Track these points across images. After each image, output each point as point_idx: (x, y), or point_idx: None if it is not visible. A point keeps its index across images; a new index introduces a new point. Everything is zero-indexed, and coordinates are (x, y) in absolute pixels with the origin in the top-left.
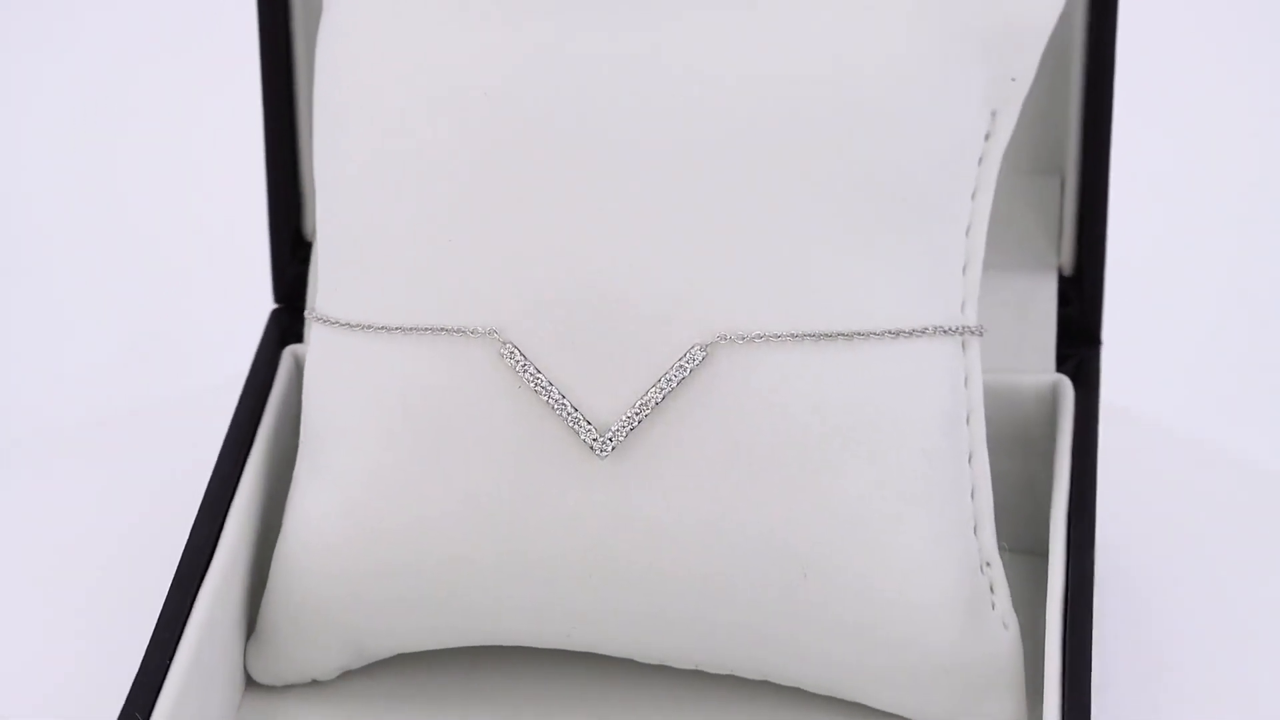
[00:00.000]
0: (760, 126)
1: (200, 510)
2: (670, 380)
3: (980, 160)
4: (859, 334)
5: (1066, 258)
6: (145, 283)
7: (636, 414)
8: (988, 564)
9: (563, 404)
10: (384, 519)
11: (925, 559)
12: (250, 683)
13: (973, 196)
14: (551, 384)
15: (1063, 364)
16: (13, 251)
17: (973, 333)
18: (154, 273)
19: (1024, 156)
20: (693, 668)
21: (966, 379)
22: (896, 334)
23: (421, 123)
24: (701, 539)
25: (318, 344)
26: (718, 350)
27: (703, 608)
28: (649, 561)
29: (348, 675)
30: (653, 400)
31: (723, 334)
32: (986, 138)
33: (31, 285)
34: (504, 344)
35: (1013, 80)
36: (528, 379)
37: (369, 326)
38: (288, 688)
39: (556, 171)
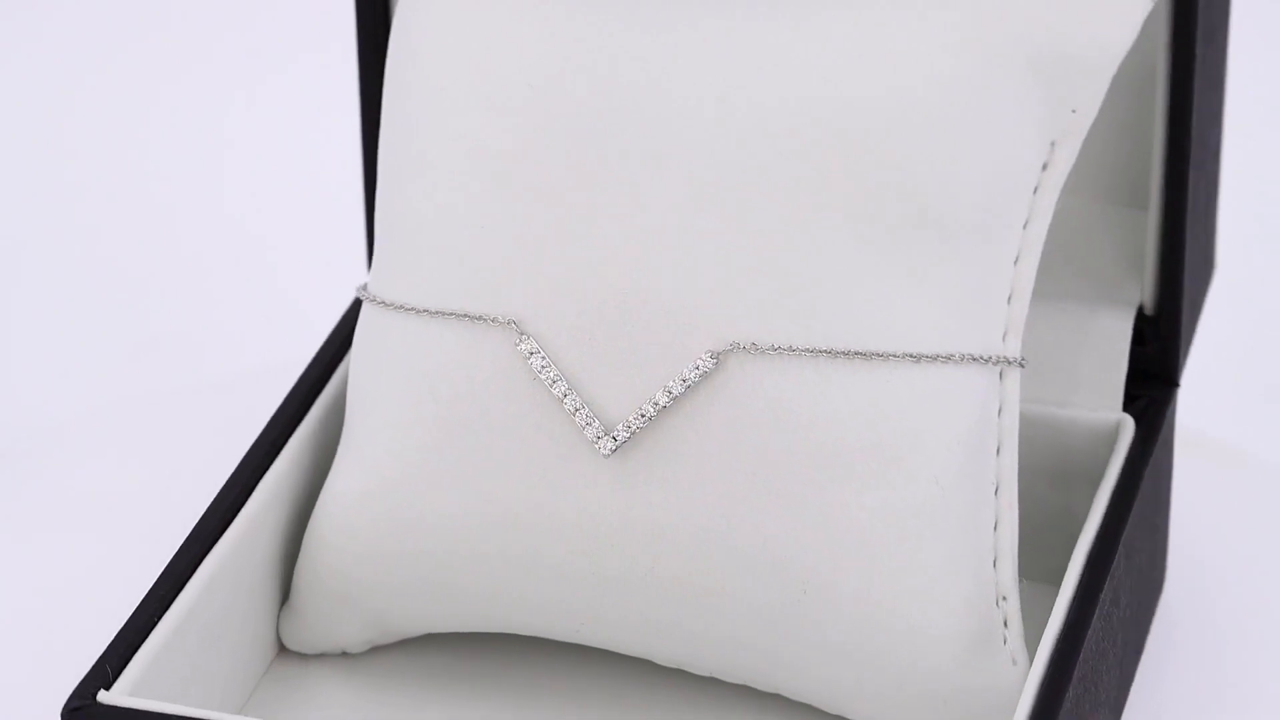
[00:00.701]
0: (795, 141)
1: (233, 475)
2: (678, 384)
3: (1035, 190)
4: (876, 354)
5: (1148, 296)
6: (266, 255)
7: (641, 415)
8: (1004, 598)
9: (571, 398)
10: (402, 506)
11: (929, 585)
12: (283, 650)
13: (1025, 226)
14: (561, 377)
15: (1133, 403)
16: (133, 220)
17: (1011, 364)
18: (273, 247)
19: (1114, 188)
20: (706, 674)
21: (1001, 409)
22: (918, 358)
23: (468, 110)
24: (701, 546)
25: (363, 322)
26: (730, 359)
27: (703, 616)
28: (648, 566)
29: (378, 650)
30: (660, 403)
31: (736, 343)
32: (1044, 168)
33: (155, 247)
34: (520, 333)
35: (1073, 112)
36: (539, 370)
37: (403, 307)
38: (319, 656)
39: (591, 169)
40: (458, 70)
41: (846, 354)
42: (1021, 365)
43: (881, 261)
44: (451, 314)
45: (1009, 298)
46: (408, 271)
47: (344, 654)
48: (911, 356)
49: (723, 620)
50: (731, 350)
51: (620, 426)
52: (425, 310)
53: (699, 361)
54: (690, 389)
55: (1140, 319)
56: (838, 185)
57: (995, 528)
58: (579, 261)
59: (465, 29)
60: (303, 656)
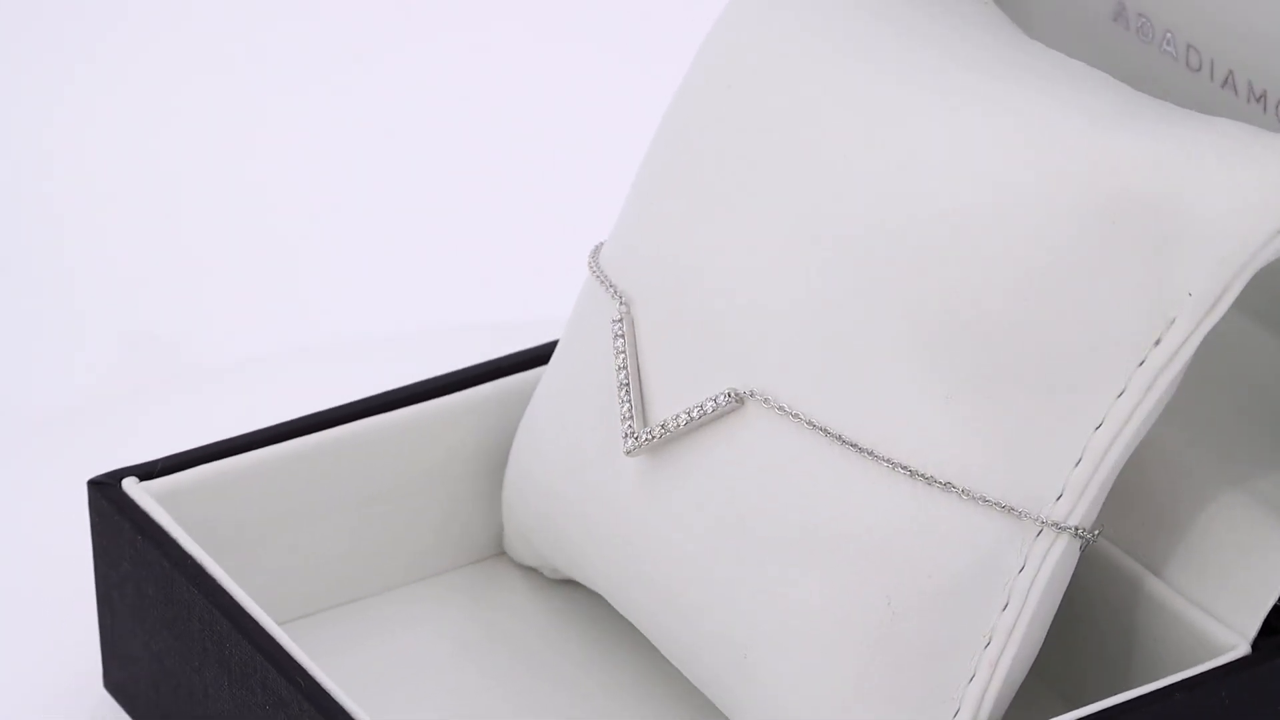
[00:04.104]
0: (890, 234)
1: (429, 379)
2: (697, 412)
3: (1141, 363)
4: (870, 453)
5: None
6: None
7: (663, 429)
8: None
9: (625, 389)
10: (530, 455)
11: (855, 699)
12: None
13: (1119, 396)
14: (626, 366)
15: (1272, 637)
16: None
17: (1051, 526)
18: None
19: None
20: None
21: (1023, 568)
22: (913, 474)
23: (692, 93)
24: (663, 588)
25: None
26: (752, 407)
27: (668, 641)
28: (641, 577)
29: (571, 585)
30: (681, 423)
31: (758, 392)
32: (1156, 343)
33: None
34: (621, 308)
35: (1189, 295)
36: (615, 352)
37: (591, 268)
38: (530, 571)
39: (735, 185)
40: (707, 64)
41: (842, 441)
42: (1078, 535)
43: (919, 373)
44: (598, 277)
45: (1077, 461)
46: (610, 239)
47: (543, 576)
48: (906, 470)
49: (686, 653)
50: (750, 396)
51: (644, 431)
52: (596, 273)
53: (719, 397)
54: (710, 422)
55: None
56: (907, 286)
57: (970, 680)
58: (688, 266)
59: (747, 30)
60: (511, 565)
